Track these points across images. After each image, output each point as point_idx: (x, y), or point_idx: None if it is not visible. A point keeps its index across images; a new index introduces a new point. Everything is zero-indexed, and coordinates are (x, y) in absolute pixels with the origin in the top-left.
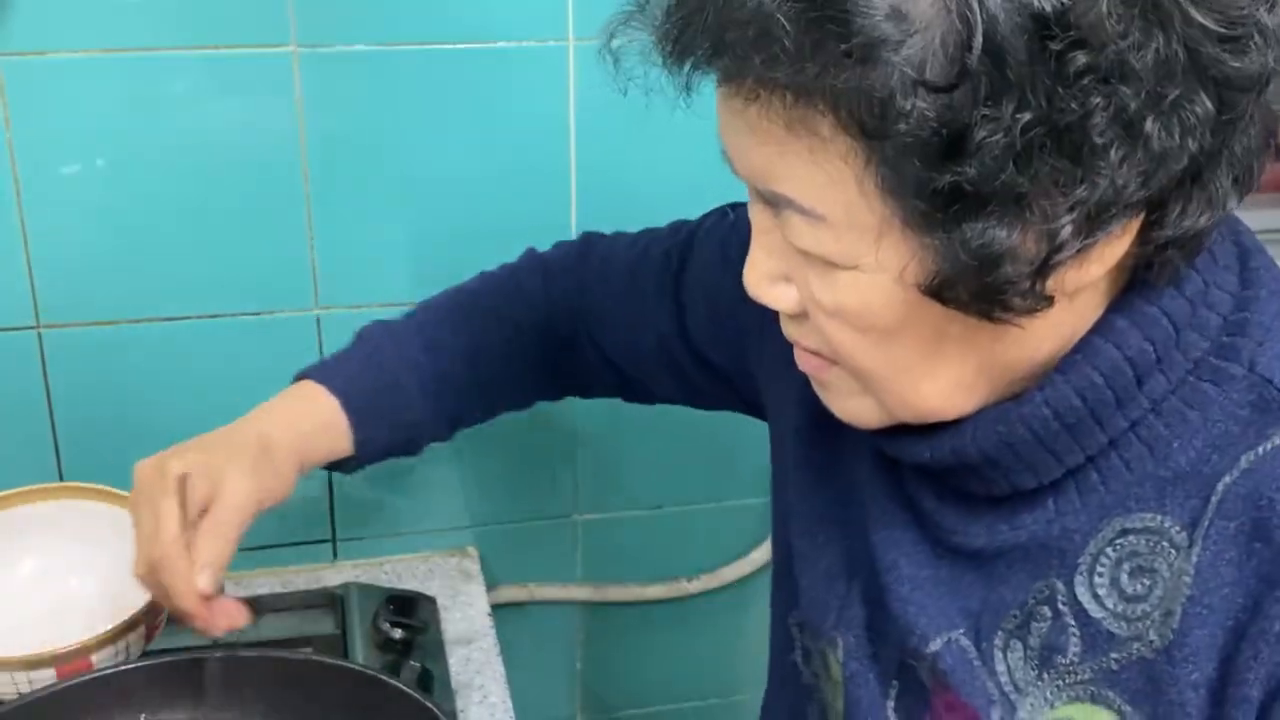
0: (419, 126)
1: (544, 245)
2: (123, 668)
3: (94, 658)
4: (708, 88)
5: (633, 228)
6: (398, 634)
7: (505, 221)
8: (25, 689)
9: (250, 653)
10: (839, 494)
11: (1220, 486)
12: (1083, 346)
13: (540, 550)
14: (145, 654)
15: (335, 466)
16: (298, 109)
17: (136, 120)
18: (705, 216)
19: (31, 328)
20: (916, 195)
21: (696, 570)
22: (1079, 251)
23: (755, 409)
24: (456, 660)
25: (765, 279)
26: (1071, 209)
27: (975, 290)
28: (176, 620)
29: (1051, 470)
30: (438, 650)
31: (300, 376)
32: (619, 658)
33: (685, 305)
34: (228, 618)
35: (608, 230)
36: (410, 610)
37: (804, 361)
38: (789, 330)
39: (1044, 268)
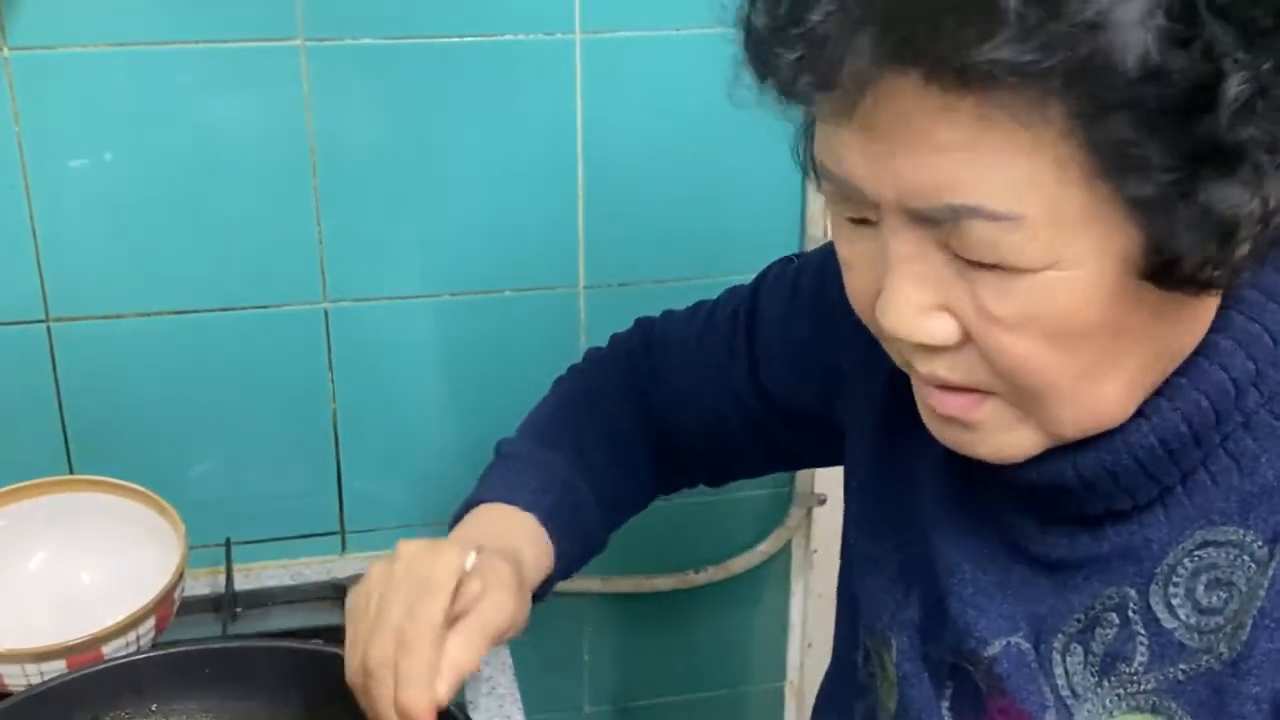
0: (426, 120)
1: (549, 233)
2: (134, 658)
3: (105, 649)
4: None
5: (639, 223)
6: None
7: (512, 214)
8: (36, 680)
9: (261, 643)
10: (902, 496)
11: None
12: (1188, 369)
13: None
14: (155, 645)
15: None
16: (306, 103)
17: (145, 114)
18: (768, 268)
19: (41, 321)
20: (1158, 165)
21: (704, 562)
22: None
23: (837, 451)
24: None
25: (917, 312)
26: None
27: (1202, 262)
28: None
29: (1149, 492)
30: None
31: (471, 503)
32: (627, 649)
33: (760, 359)
34: None
35: (616, 219)
36: None
37: (946, 404)
38: (930, 368)
39: (1266, 229)
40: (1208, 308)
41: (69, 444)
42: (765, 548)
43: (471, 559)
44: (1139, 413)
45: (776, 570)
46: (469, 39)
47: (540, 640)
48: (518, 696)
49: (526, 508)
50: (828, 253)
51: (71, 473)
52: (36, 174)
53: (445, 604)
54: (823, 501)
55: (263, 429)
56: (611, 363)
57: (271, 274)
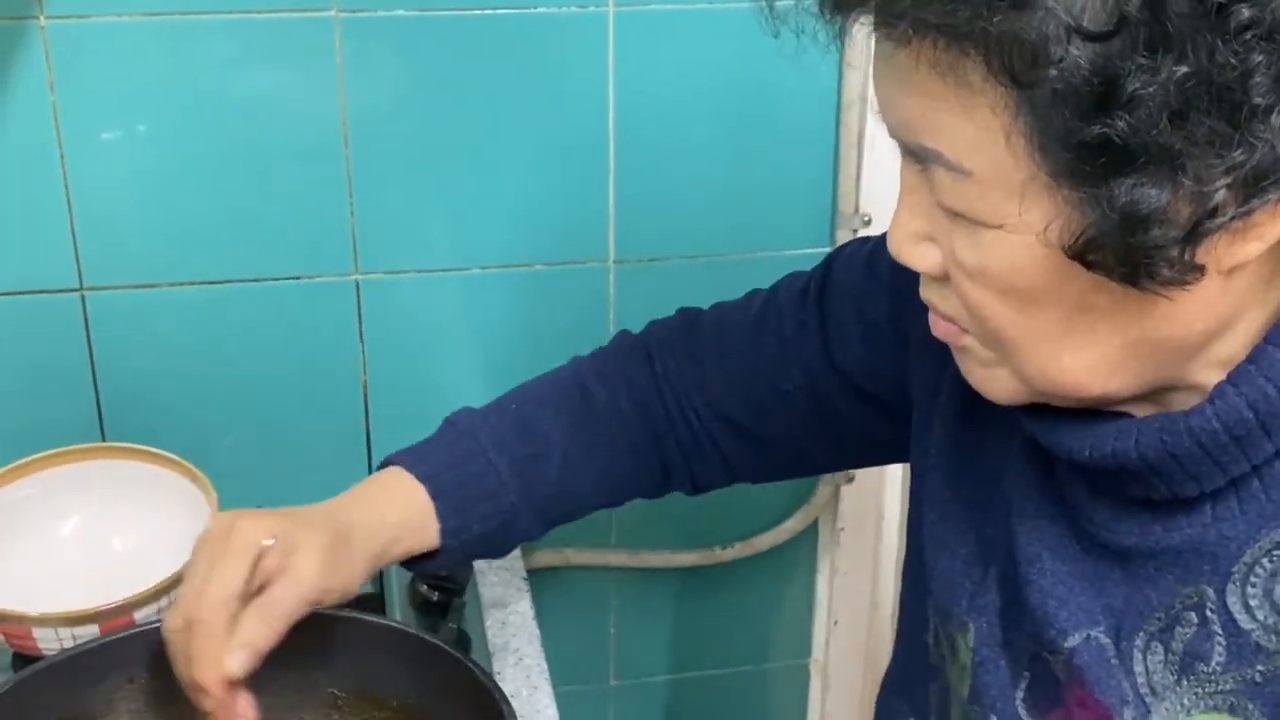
0: (459, 92)
1: (580, 208)
2: None
3: (137, 614)
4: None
5: (672, 195)
6: (435, 596)
7: (543, 188)
8: (69, 644)
9: None
10: (981, 481)
11: None
12: (1256, 356)
13: None
14: None
15: (423, 564)
16: (339, 74)
17: (179, 84)
18: (839, 249)
19: (75, 290)
20: (1065, 147)
21: (731, 538)
22: (1234, 220)
23: (902, 439)
24: (493, 623)
25: (909, 238)
26: (1227, 172)
27: (1121, 253)
28: (187, 692)
29: (1215, 480)
30: (474, 613)
31: (387, 461)
32: (653, 624)
33: (832, 333)
34: (237, 716)
35: (647, 194)
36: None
37: (938, 327)
38: (927, 293)
39: (1194, 234)
40: (1199, 302)
41: (102, 412)
42: (792, 525)
43: (268, 539)
44: (1208, 397)
45: (803, 547)
46: (502, 11)
47: (567, 613)
48: (545, 668)
49: (422, 479)
50: None
51: (104, 440)
52: (71, 143)
53: (236, 584)
54: (850, 480)
55: (294, 399)
56: (633, 349)
57: (303, 245)
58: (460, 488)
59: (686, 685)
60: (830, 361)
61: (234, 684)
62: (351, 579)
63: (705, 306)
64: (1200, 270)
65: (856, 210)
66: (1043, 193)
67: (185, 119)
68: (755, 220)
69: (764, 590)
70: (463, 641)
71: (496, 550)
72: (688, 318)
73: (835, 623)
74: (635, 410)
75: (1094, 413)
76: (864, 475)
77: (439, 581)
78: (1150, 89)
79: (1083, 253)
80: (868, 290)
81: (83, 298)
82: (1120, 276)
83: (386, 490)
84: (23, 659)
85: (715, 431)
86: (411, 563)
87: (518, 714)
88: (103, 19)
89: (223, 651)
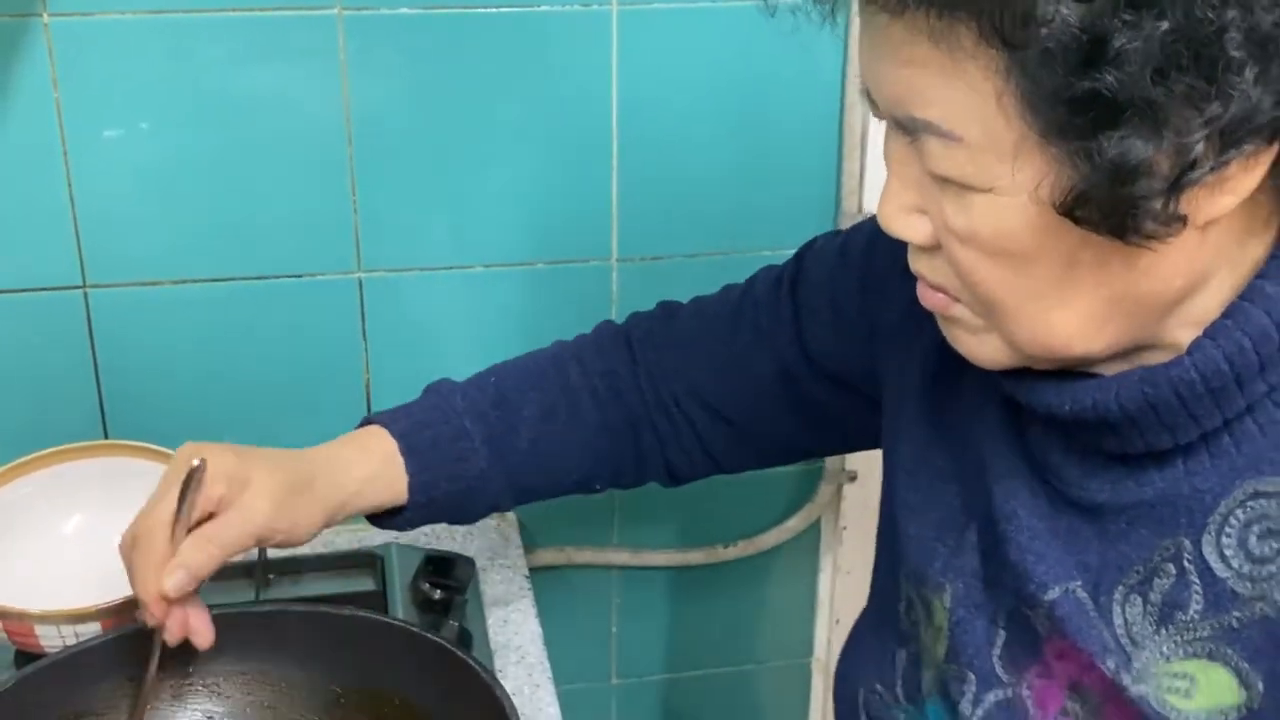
0: (462, 91)
1: (583, 206)
2: None
3: (139, 612)
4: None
5: (675, 194)
6: (437, 594)
7: (546, 187)
8: (72, 641)
9: (297, 608)
10: (955, 447)
11: None
12: (1232, 312)
13: (578, 514)
14: None
15: (388, 520)
16: (342, 72)
17: (183, 82)
18: (812, 240)
19: (78, 288)
20: (1056, 105)
21: (734, 537)
22: (1212, 172)
23: (875, 425)
24: (495, 621)
25: (899, 211)
26: (1206, 124)
27: (1108, 207)
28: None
29: (1189, 432)
30: (476, 611)
31: (366, 421)
32: (655, 622)
33: (805, 322)
34: (185, 629)
35: (650, 191)
36: (450, 571)
37: (927, 297)
38: (917, 264)
39: (1177, 185)
40: (1177, 257)
41: (104, 409)
42: (795, 523)
43: (198, 461)
44: (1187, 350)
45: (806, 546)
46: (505, 9)
47: (569, 611)
48: (547, 666)
49: (396, 435)
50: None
51: (107, 438)
52: (74, 141)
53: (170, 504)
54: (853, 478)
55: (296, 397)
56: (614, 337)
57: (306, 243)
58: (432, 447)
59: (688, 684)
60: (804, 349)
61: (175, 602)
62: (303, 525)
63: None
64: (1182, 221)
65: (860, 209)
66: (1034, 152)
67: (189, 117)
68: (758, 219)
69: (766, 589)
70: (465, 639)
71: (464, 514)
72: (668, 309)
73: (837, 621)
74: (612, 396)
75: (1070, 374)
76: (866, 474)
77: (441, 580)
78: (1135, 44)
79: (1072, 208)
80: (839, 280)
81: (85, 295)
82: (1107, 230)
83: (359, 444)
84: (25, 656)
85: (694, 419)
86: (378, 519)
87: (520, 712)
88: (106, 16)
89: (160, 570)
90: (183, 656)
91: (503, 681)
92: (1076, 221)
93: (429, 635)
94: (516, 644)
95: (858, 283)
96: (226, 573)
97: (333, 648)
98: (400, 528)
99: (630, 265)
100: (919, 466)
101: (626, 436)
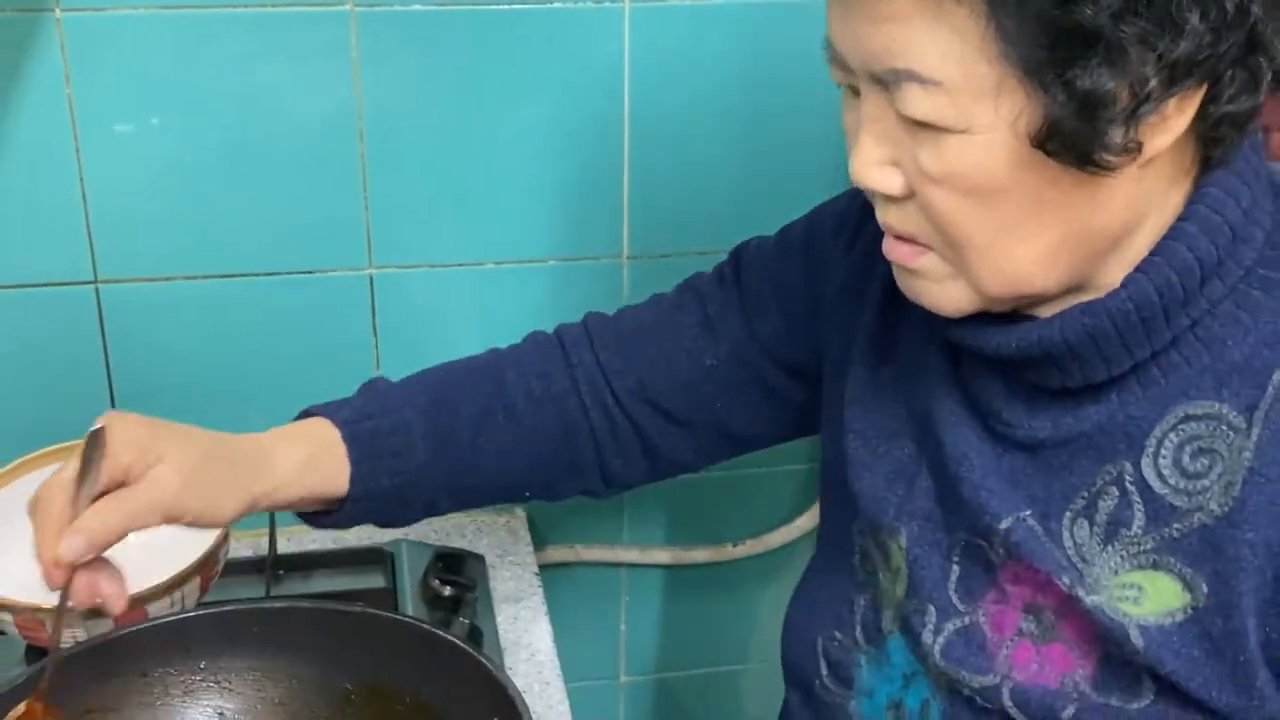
0: (474, 87)
1: (594, 203)
2: (181, 616)
3: (149, 608)
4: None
5: (686, 191)
6: (447, 591)
7: (559, 183)
8: (83, 637)
9: (309, 604)
10: (898, 404)
11: (1276, 376)
12: (1160, 249)
13: (588, 512)
14: (201, 604)
15: (324, 519)
16: (354, 68)
17: (195, 77)
18: (745, 243)
19: (90, 283)
20: (1037, 40)
21: (741, 535)
22: (1159, 104)
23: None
24: (504, 618)
25: (873, 165)
26: (1159, 60)
27: (1077, 136)
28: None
29: (1122, 363)
30: (486, 608)
31: (305, 413)
32: (663, 620)
33: (751, 308)
34: (93, 593)
35: (662, 189)
36: (460, 568)
37: (894, 250)
38: (885, 217)
39: (1135, 115)
40: (1122, 194)
41: (115, 404)
42: (803, 522)
43: (99, 423)
44: (1122, 284)
45: (813, 545)
46: (518, 6)
47: (578, 609)
48: (557, 663)
49: (340, 423)
50: (814, 210)
51: None
52: (86, 136)
53: (71, 469)
54: None
55: (306, 392)
56: (547, 343)
57: (317, 239)
58: (373, 437)
59: (696, 682)
60: (752, 332)
61: (80, 568)
62: (221, 506)
63: None
64: (1138, 149)
65: None
66: (1013, 88)
67: (200, 112)
68: (770, 216)
69: (774, 587)
70: (475, 637)
71: (399, 514)
72: (597, 316)
73: None
74: (548, 398)
75: (1011, 318)
76: None
77: (451, 577)
78: None
79: (1045, 140)
80: (782, 264)
81: (97, 290)
82: (1073, 159)
83: (297, 430)
84: (36, 652)
85: (638, 419)
86: (311, 518)
87: (530, 710)
88: (118, 11)
89: (58, 533)
90: (194, 651)
91: (514, 678)
92: (1047, 153)
93: (441, 632)
94: (526, 641)
95: (800, 262)
96: (236, 568)
97: (344, 644)
98: (335, 525)
99: (641, 262)
100: (868, 427)
101: (562, 439)
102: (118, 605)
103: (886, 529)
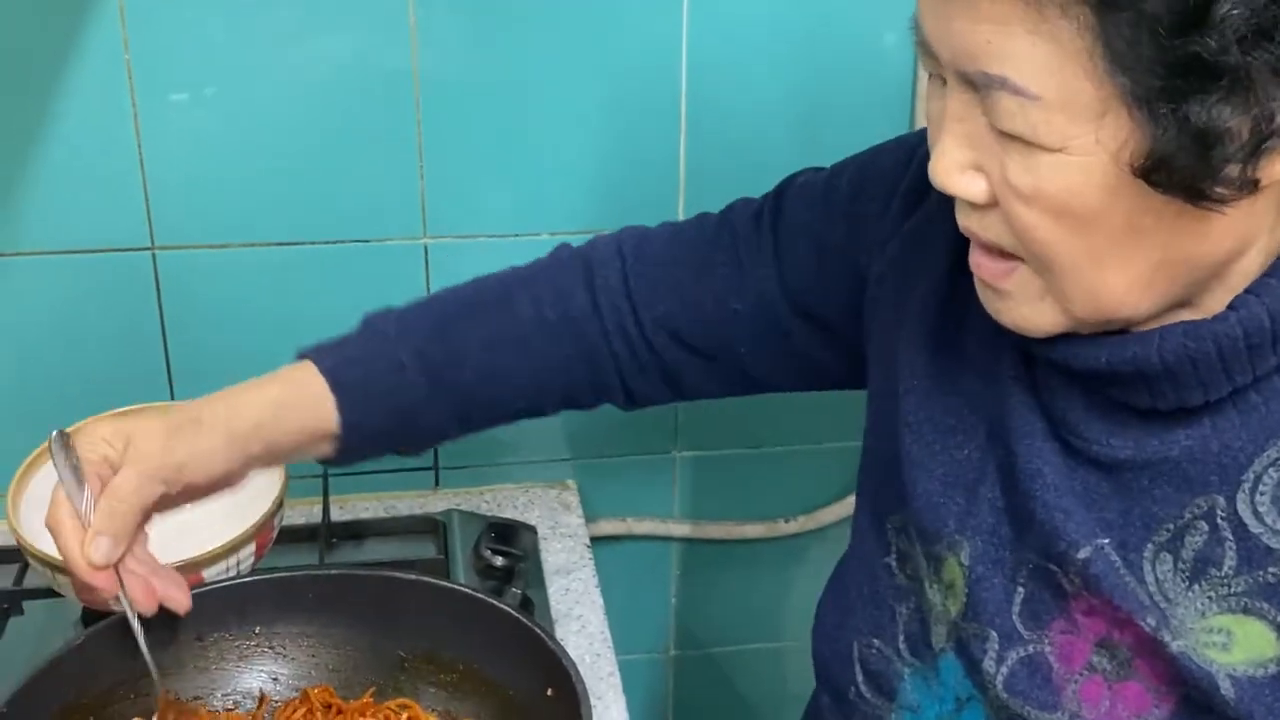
0: (530, 57)
1: (650, 173)
2: (239, 580)
3: (205, 572)
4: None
5: (744, 163)
6: (499, 561)
7: (614, 155)
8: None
9: (364, 571)
10: (962, 404)
11: None
12: (1275, 270)
13: (639, 485)
14: (255, 570)
15: (325, 456)
16: (411, 37)
17: (253, 46)
18: (793, 175)
19: (147, 249)
20: (1152, 66)
21: (794, 511)
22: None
23: (851, 366)
24: (555, 590)
25: (955, 168)
26: None
27: (1189, 171)
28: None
29: (1220, 388)
30: (538, 579)
31: (300, 355)
32: (713, 594)
33: (785, 258)
34: (151, 595)
35: (719, 161)
36: (512, 538)
37: (984, 268)
38: (966, 221)
39: (1256, 152)
40: (1232, 223)
41: (171, 371)
42: (854, 500)
43: (54, 433)
44: (1230, 306)
45: None
46: None
47: (628, 582)
48: (608, 635)
49: (325, 371)
50: (864, 160)
51: (173, 399)
52: (145, 104)
53: (61, 488)
54: None
55: None
56: (570, 260)
57: (373, 208)
58: (364, 381)
59: (744, 657)
60: (783, 283)
61: (119, 569)
62: (203, 456)
63: None
64: (1255, 185)
65: None
66: (1118, 113)
67: (258, 81)
68: None
69: (825, 564)
70: (527, 607)
71: (409, 446)
72: (636, 233)
73: None
74: (566, 326)
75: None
76: None
77: (503, 547)
78: (1238, 10)
79: (1150, 172)
80: (824, 218)
81: (154, 256)
82: (1181, 193)
83: (275, 375)
84: (92, 614)
85: (659, 347)
86: (321, 459)
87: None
88: None
89: (80, 544)
90: (249, 615)
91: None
92: (1152, 185)
93: (496, 602)
94: (578, 613)
95: (843, 222)
96: (290, 535)
97: (399, 612)
98: (341, 464)
99: None
100: (922, 421)
101: (579, 361)
102: (182, 605)
103: (946, 540)
